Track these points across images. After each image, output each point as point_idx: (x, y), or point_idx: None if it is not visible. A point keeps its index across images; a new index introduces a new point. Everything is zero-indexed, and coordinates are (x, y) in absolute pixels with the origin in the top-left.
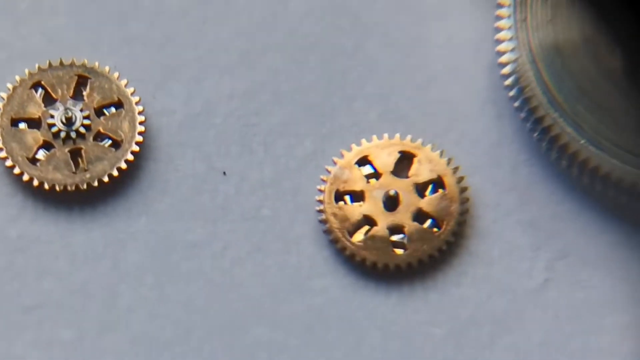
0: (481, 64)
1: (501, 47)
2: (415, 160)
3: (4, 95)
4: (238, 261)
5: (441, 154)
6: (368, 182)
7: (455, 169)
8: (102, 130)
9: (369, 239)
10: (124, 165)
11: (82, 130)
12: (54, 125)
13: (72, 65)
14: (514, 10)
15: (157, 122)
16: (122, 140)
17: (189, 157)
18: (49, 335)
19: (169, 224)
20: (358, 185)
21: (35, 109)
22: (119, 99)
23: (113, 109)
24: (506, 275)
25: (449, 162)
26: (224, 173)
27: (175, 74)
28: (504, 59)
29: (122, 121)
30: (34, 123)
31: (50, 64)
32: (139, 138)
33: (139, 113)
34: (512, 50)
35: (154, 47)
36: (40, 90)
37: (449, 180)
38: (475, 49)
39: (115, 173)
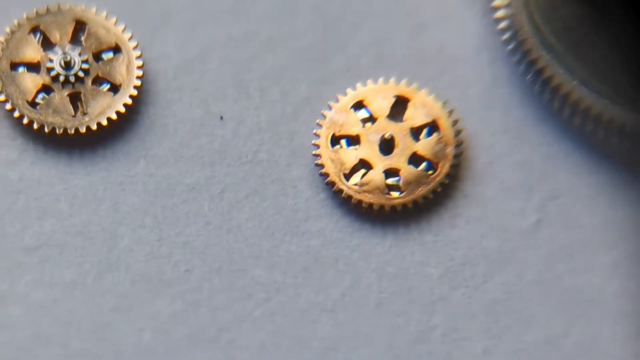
0: (474, 8)
1: None
2: (410, 104)
3: (3, 39)
4: (236, 204)
5: (436, 98)
6: (364, 126)
7: (450, 112)
8: (100, 74)
9: (365, 182)
10: (122, 109)
11: (80, 74)
12: (52, 69)
13: (69, 10)
14: None
15: (154, 67)
16: (120, 85)
17: (186, 102)
18: (50, 275)
19: (167, 167)
20: (354, 129)
21: (34, 53)
22: (116, 44)
23: (111, 54)
24: (499, 215)
25: (443, 105)
26: (221, 117)
27: (172, 19)
28: (497, 2)
29: (120, 66)
30: (33, 67)
31: (48, 9)
32: (137, 82)
33: (137, 58)
34: None
35: None
36: (38, 34)
37: (444, 124)
38: None
39: (114, 117)
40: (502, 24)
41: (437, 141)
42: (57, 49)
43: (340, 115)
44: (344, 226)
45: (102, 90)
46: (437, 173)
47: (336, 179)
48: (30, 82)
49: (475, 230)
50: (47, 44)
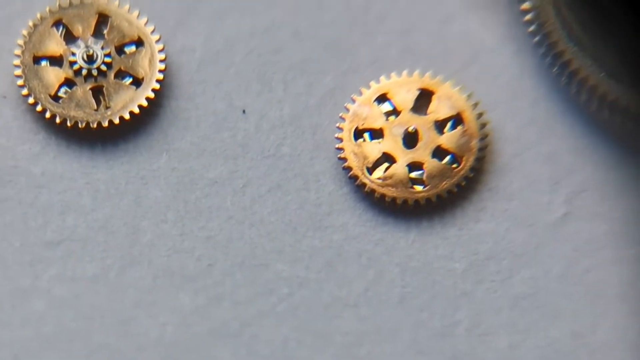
0: (500, 1)
1: None
2: (435, 97)
3: (26, 32)
4: (258, 198)
5: (460, 90)
6: (387, 119)
7: (475, 105)
8: (123, 68)
9: (388, 175)
10: (145, 103)
11: (103, 67)
12: (75, 62)
13: (92, 3)
14: None
15: (177, 60)
16: (143, 78)
17: (209, 95)
18: (73, 269)
19: (190, 161)
20: (377, 122)
21: (57, 47)
22: (139, 37)
23: (133, 47)
24: (525, 209)
25: (468, 97)
26: (244, 111)
27: (195, 12)
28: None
29: (143, 59)
30: (56, 60)
31: (70, 2)
32: (160, 76)
33: (159, 51)
34: None
35: None
36: (61, 28)
37: (469, 116)
38: None
39: (136, 110)
40: (528, 16)
41: (462, 134)
42: (80, 43)
43: (363, 109)
44: (367, 220)
45: (125, 83)
46: (461, 166)
47: (359, 173)
48: (53, 76)
49: (501, 224)
50: (69, 38)
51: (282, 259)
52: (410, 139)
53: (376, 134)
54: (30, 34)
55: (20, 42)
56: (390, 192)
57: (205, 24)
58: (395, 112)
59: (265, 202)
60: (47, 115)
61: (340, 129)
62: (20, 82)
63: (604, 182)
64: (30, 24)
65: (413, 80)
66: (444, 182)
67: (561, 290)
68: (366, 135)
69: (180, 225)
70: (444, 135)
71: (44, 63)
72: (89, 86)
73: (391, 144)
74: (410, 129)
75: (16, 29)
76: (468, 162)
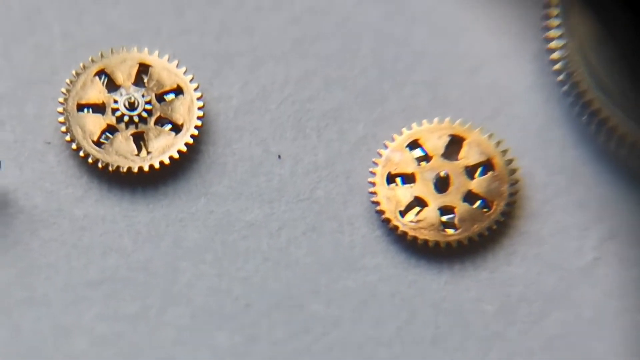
0: (529, 49)
1: (550, 33)
2: (465, 143)
3: (69, 81)
4: (294, 240)
5: (490, 137)
6: (419, 164)
7: (505, 152)
8: (162, 115)
9: (420, 219)
10: (184, 148)
11: (144, 114)
12: (117, 110)
13: (133, 53)
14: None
15: (215, 108)
16: (182, 125)
17: (245, 141)
18: (114, 308)
19: (227, 204)
20: (409, 167)
21: (99, 95)
22: (178, 86)
23: (173, 95)
24: (556, 253)
25: (497, 144)
26: (279, 156)
27: (231, 62)
28: (552, 44)
29: (182, 107)
30: (98, 108)
31: (112, 52)
32: (198, 122)
33: (198, 99)
34: (561, 36)
35: (210, 36)
36: (103, 77)
37: (499, 162)
38: (522, 36)
39: (176, 155)
40: (557, 65)
41: (492, 179)
42: (122, 91)
43: (395, 154)
44: (399, 262)
45: (165, 130)
46: (492, 211)
47: (391, 216)
48: (95, 122)
49: (532, 268)
50: (111, 86)
51: (317, 300)
52: (442, 184)
53: (408, 178)
54: (73, 83)
55: (64, 90)
56: (422, 234)
57: (240, 73)
58: (426, 157)
59: (300, 244)
60: (90, 160)
61: (373, 174)
62: (63, 128)
63: (633, 228)
64: (74, 72)
65: (444, 127)
66: (475, 226)
67: (593, 333)
68: (398, 180)
69: (218, 266)
70: (474, 180)
71: (86, 110)
72: (130, 132)
73: (423, 188)
74: (441, 174)
75: (61, 78)
76: (499, 206)
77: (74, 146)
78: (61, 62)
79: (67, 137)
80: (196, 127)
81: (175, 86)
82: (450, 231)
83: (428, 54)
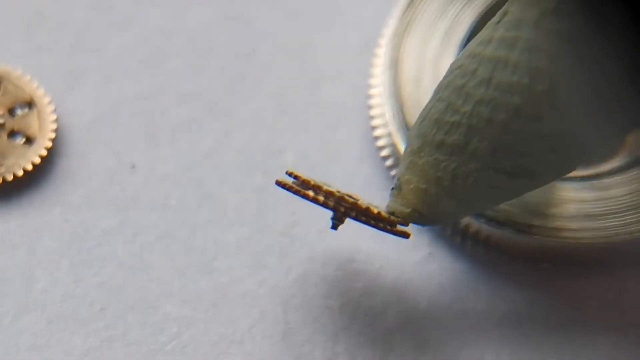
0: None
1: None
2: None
3: None
4: (148, 246)
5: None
6: None
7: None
8: (15, 128)
9: None
10: (37, 160)
11: None
12: None
13: None
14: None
15: (68, 122)
16: (35, 138)
17: (99, 153)
18: None
19: (81, 213)
20: None
21: None
22: (31, 100)
23: (26, 109)
24: None
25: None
26: (133, 166)
27: (83, 78)
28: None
29: (34, 120)
30: None
31: None
32: (52, 135)
33: (51, 112)
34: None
35: (62, 53)
36: None
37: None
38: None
39: (29, 167)
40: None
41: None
42: None
43: None
44: (250, 263)
45: (18, 143)
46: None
47: None
48: None
49: None
50: None
51: (171, 302)
52: None
53: None
54: None
55: None
56: None
57: (92, 89)
58: None
59: (154, 250)
60: None
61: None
62: None
63: None
64: None
65: None
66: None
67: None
68: None
69: (73, 272)
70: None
71: None
72: None
73: None
74: None
75: None
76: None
77: None
78: None
79: None
80: (50, 140)
81: (27, 100)
82: None
83: (274, 70)
